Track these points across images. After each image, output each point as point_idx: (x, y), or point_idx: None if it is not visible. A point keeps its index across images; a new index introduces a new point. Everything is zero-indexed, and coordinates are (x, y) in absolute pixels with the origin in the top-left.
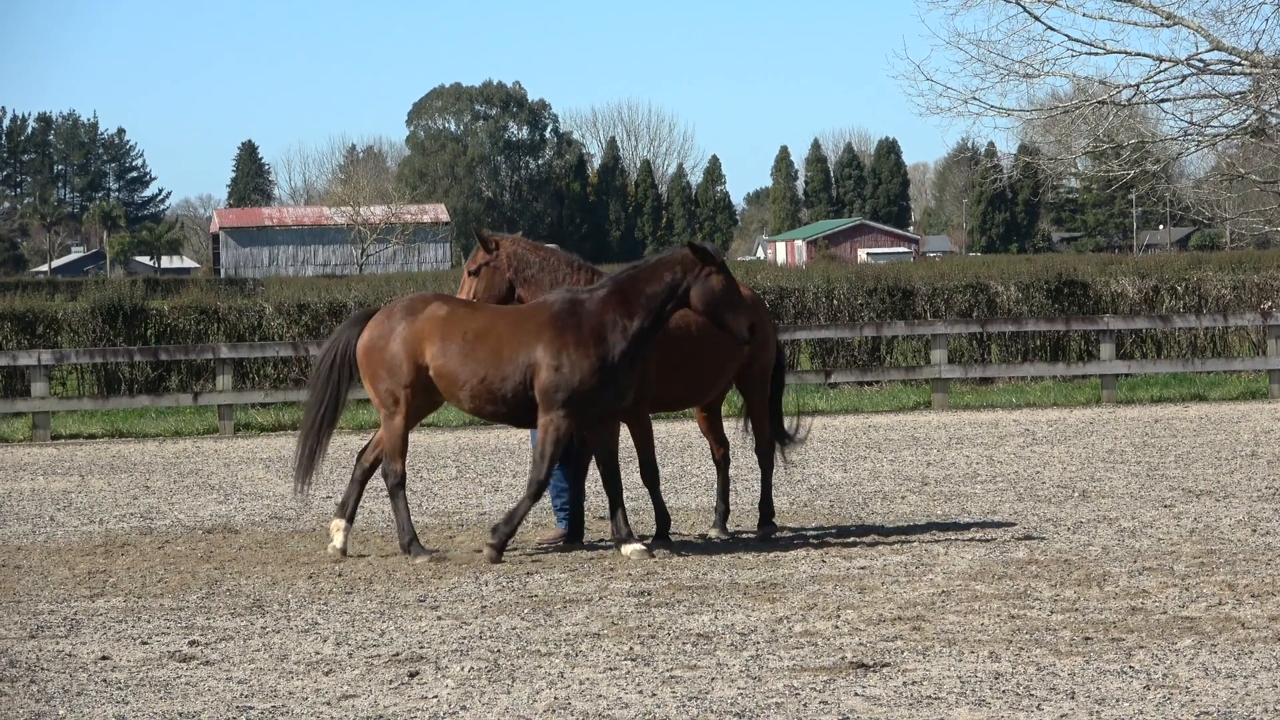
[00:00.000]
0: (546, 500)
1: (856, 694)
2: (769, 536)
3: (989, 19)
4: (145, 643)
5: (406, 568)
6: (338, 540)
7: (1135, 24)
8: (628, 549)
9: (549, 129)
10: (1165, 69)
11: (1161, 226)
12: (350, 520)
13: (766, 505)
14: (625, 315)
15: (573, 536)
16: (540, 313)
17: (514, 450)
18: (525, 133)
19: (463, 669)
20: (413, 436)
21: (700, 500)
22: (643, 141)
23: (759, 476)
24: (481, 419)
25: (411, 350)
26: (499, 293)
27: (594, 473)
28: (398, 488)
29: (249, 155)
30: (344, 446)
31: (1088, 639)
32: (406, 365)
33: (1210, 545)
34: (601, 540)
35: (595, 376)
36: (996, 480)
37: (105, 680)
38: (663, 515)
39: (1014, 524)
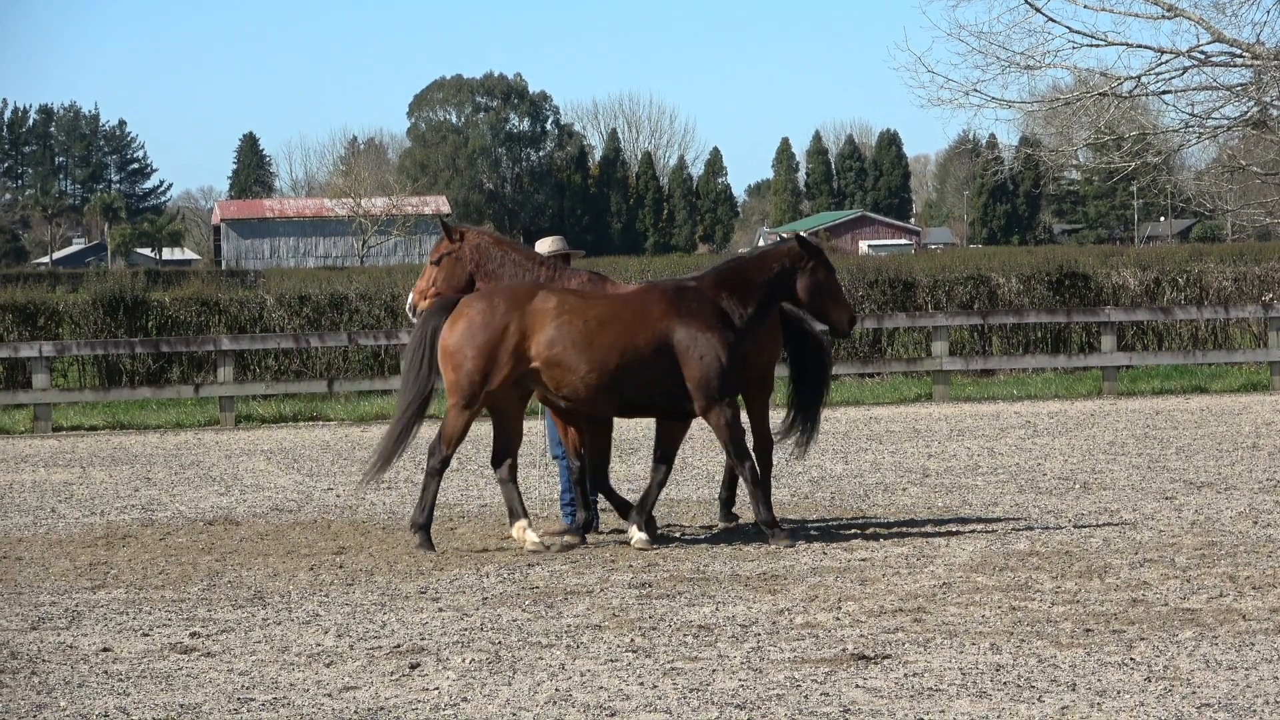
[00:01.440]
0: (551, 494)
1: (858, 686)
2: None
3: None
4: (146, 634)
5: (408, 559)
6: (532, 536)
7: (1136, 16)
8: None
9: (550, 121)
10: (1166, 61)
11: (1163, 218)
12: (525, 515)
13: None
14: (739, 303)
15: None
16: (658, 298)
17: None
18: (526, 124)
19: (464, 661)
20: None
21: (700, 492)
22: (644, 133)
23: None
24: (580, 409)
25: (515, 343)
26: (458, 284)
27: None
28: (439, 470)
29: (250, 147)
30: (344, 437)
31: (1089, 631)
32: (506, 358)
33: (1211, 537)
34: (610, 533)
35: (732, 361)
36: (998, 472)
37: (106, 672)
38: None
39: (1015, 516)
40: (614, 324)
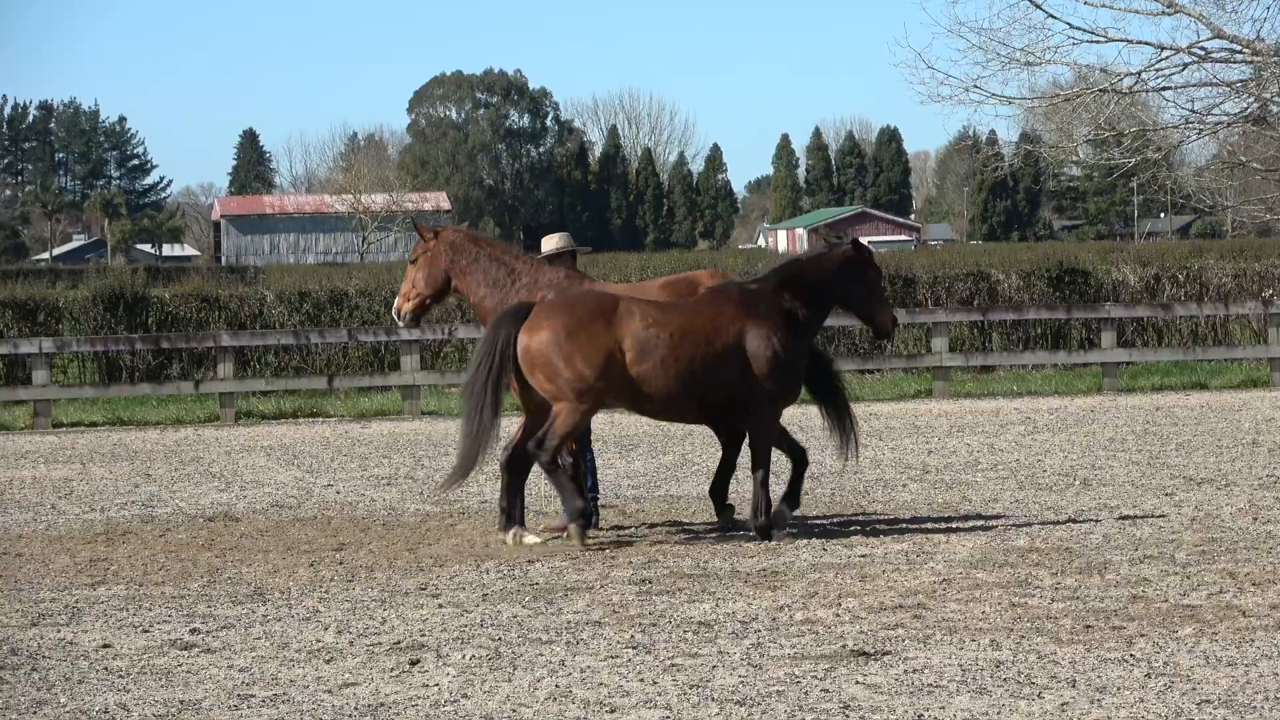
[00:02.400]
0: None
1: (858, 682)
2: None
3: (990, 6)
4: (146, 631)
5: (407, 556)
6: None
7: (1136, 12)
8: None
9: (550, 117)
10: (1166, 57)
11: (1163, 214)
12: (516, 522)
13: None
14: (801, 305)
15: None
16: (731, 303)
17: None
18: (526, 121)
19: (464, 657)
20: (415, 424)
21: (701, 489)
22: (644, 129)
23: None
24: (654, 416)
25: (611, 351)
26: (436, 282)
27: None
28: (554, 465)
29: (250, 143)
30: (345, 434)
31: (1089, 627)
32: (605, 362)
33: (1211, 533)
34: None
35: (798, 363)
36: (997, 468)
37: (106, 668)
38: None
39: (1015, 512)
40: (695, 334)
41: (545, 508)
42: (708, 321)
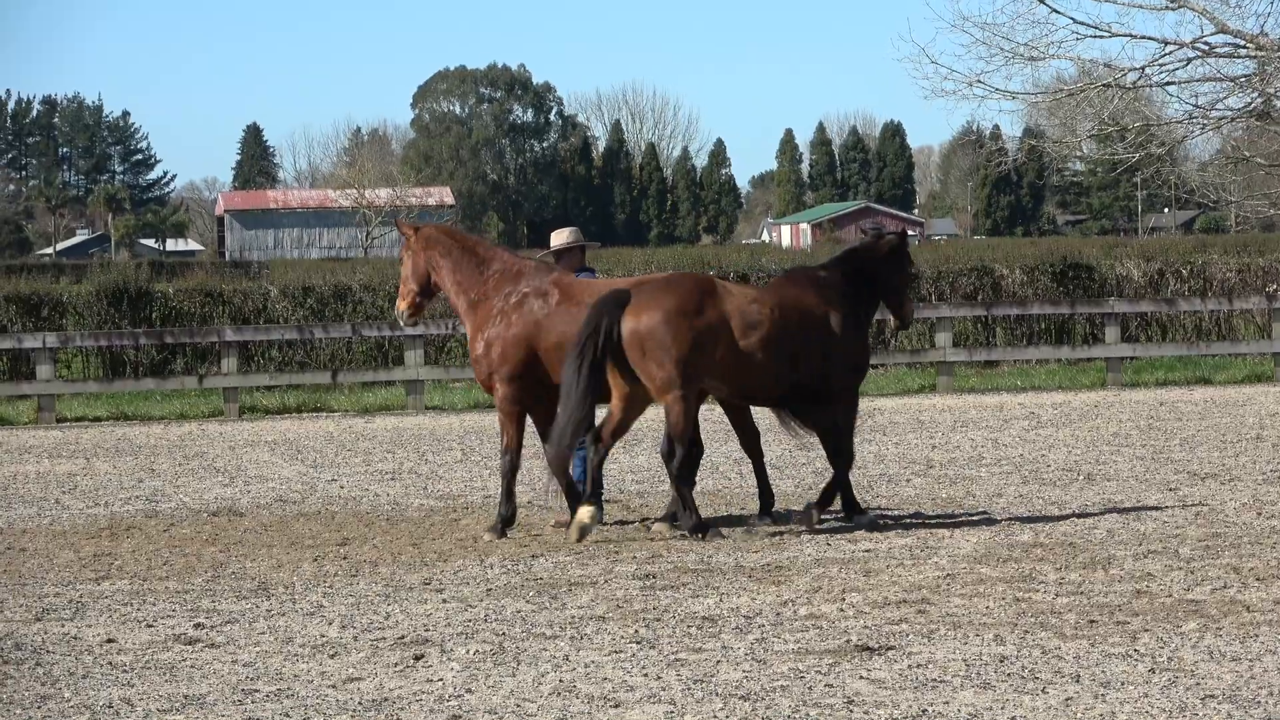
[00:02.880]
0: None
1: (861, 677)
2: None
3: (993, 1)
4: (151, 626)
5: (411, 551)
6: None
7: (1140, 6)
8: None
9: (554, 112)
10: (1170, 52)
11: (1166, 210)
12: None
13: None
14: (864, 293)
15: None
16: (813, 288)
17: None
18: (530, 116)
19: (468, 652)
20: (419, 419)
21: (706, 484)
22: (647, 124)
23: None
24: (742, 401)
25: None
26: (421, 276)
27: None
28: (685, 469)
29: (254, 138)
30: (348, 429)
31: (1093, 622)
32: (714, 346)
33: (1215, 528)
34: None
35: (866, 347)
36: (1001, 463)
37: (111, 663)
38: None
39: (1019, 507)
40: (789, 313)
41: (553, 502)
42: (796, 303)
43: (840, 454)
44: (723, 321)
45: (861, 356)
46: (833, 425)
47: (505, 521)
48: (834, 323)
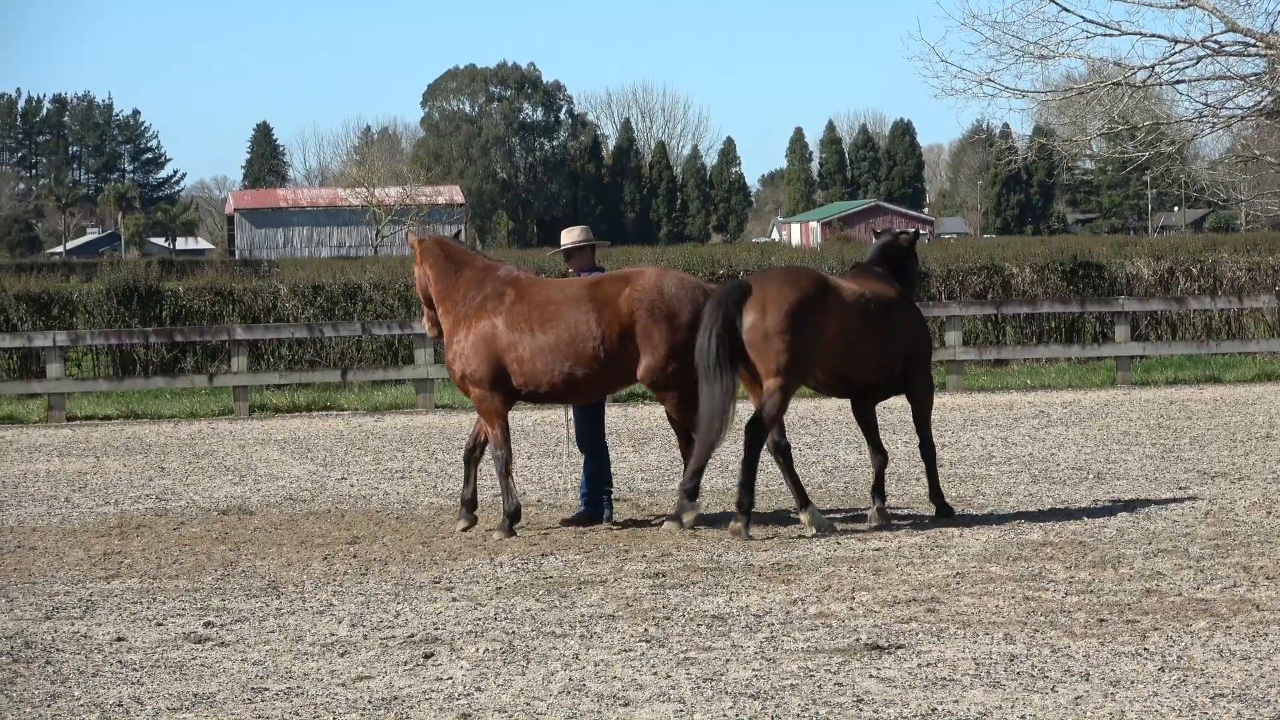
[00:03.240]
0: (564, 483)
1: (871, 676)
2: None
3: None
4: (160, 624)
5: (421, 549)
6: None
7: (1150, 5)
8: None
9: (564, 110)
10: (1180, 50)
11: (1176, 208)
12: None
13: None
14: (905, 285)
15: (593, 517)
16: (884, 281)
17: (528, 432)
18: (540, 114)
19: (478, 650)
20: (428, 418)
21: (714, 482)
22: (657, 123)
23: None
24: (837, 389)
25: (825, 325)
26: (423, 290)
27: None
28: (788, 451)
29: (264, 137)
30: (358, 427)
31: (1102, 621)
32: (820, 337)
33: (1225, 527)
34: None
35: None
36: (1011, 462)
37: (120, 661)
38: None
39: (1028, 506)
40: (881, 305)
41: (560, 500)
42: (881, 293)
43: (926, 439)
44: (839, 312)
45: (929, 340)
46: (924, 398)
47: (511, 518)
48: (911, 313)
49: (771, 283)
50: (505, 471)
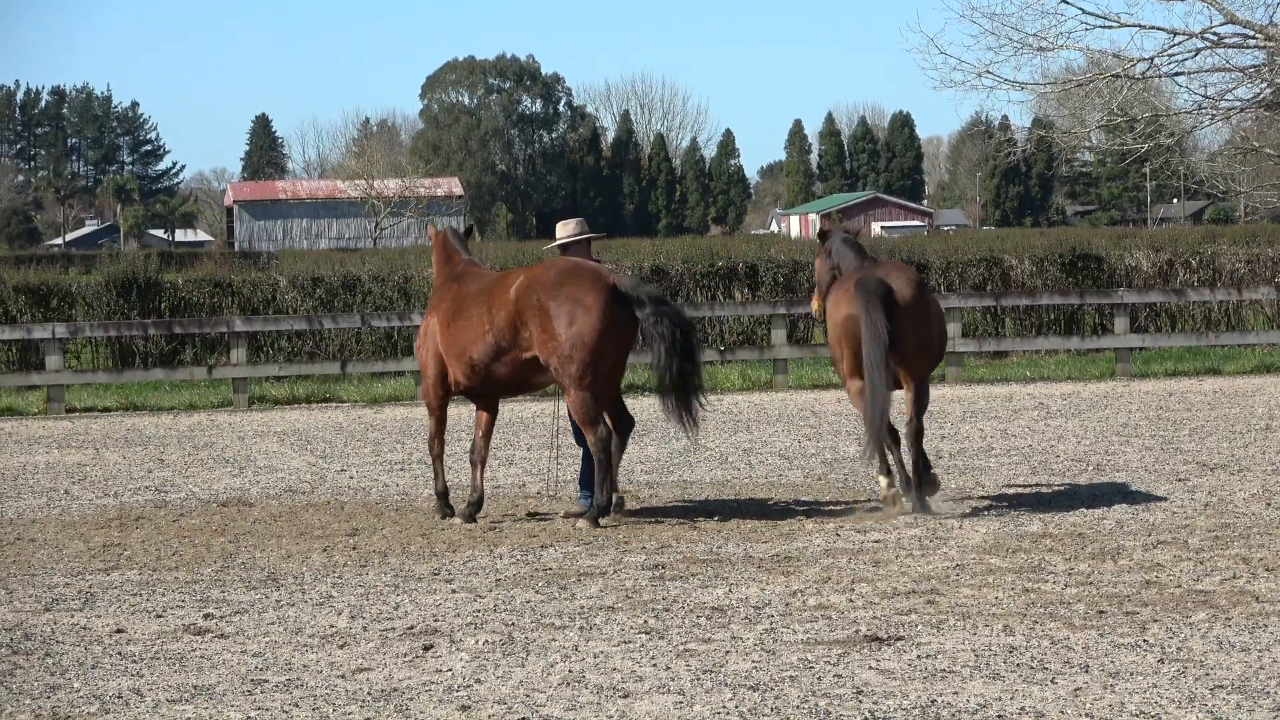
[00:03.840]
0: (563, 475)
1: (871, 667)
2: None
3: None
4: (160, 616)
5: (420, 541)
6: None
7: None
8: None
9: (563, 102)
10: (1179, 42)
11: (1176, 200)
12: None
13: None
14: None
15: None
16: (918, 275)
17: (528, 424)
18: (539, 106)
19: (477, 642)
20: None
21: (716, 474)
22: (656, 115)
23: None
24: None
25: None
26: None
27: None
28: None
29: (263, 128)
30: (358, 419)
31: (1102, 612)
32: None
33: (1224, 519)
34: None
35: None
36: (1011, 454)
37: (120, 653)
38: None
39: (1028, 497)
40: (923, 299)
41: (560, 492)
42: (921, 290)
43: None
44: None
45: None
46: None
47: (441, 497)
48: (937, 308)
49: (904, 278)
50: (437, 456)
